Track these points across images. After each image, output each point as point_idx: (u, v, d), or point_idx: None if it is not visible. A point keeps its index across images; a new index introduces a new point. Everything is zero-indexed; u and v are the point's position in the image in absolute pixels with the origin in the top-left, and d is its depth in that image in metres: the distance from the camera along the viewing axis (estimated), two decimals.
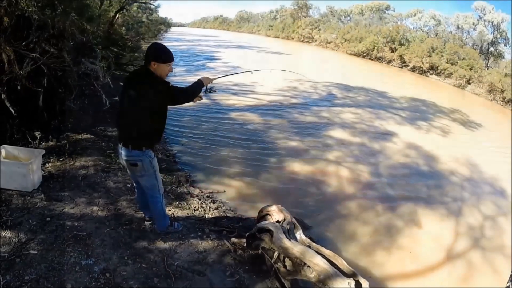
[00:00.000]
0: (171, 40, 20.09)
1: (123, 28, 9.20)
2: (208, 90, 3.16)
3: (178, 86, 2.92)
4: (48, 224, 3.19)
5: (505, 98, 18.11)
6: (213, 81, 3.19)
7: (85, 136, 5.34)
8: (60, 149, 4.78)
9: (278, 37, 46.80)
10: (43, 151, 3.97)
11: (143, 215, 3.51)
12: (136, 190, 3.38)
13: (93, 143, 5.20)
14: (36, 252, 2.81)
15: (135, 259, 2.97)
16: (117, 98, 7.28)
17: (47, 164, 4.32)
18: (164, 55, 2.74)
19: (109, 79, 5.61)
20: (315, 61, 21.65)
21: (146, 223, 3.48)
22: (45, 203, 3.51)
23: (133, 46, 9.28)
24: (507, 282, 1.16)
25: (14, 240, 2.92)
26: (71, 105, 5.83)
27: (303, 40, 43.06)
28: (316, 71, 17.93)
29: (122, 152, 2.86)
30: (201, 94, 3.10)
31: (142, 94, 2.67)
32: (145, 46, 12.06)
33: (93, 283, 2.62)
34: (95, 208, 3.60)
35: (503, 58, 25.43)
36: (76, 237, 3.09)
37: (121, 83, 8.00)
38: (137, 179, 3.13)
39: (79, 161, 4.56)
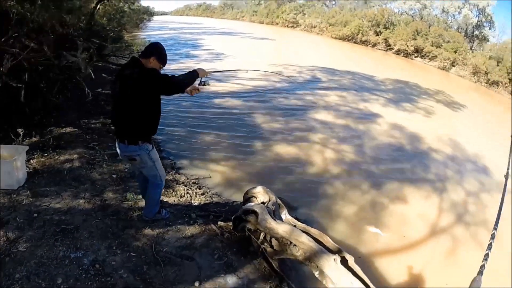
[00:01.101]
0: (154, 29, 19.81)
1: (105, 19, 9.03)
2: (202, 83, 3.15)
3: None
4: (35, 220, 3.18)
5: (489, 80, 18.40)
6: (208, 75, 3.16)
7: (68, 129, 5.28)
8: (44, 144, 4.74)
9: (263, 23, 46.43)
10: (27, 148, 3.93)
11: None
12: (137, 177, 3.44)
13: (77, 136, 5.15)
14: (25, 249, 2.80)
15: (124, 248, 2.99)
16: (99, 89, 7.26)
17: (31, 160, 4.28)
18: (165, 56, 2.82)
19: (90, 70, 5.53)
20: (300, 45, 21.57)
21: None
22: (31, 199, 3.49)
23: (115, 37, 9.14)
24: (489, 240, 1.21)
25: (2, 239, 2.91)
26: (53, 99, 5.76)
27: (287, 25, 42.81)
28: (300, 56, 17.89)
29: (119, 147, 2.88)
30: (197, 86, 3.10)
31: (133, 85, 2.65)
32: (127, 37, 11.91)
33: (83, 275, 2.64)
34: (81, 201, 3.60)
35: (488, 41, 25.70)
36: (64, 231, 3.09)
37: (103, 75, 7.98)
38: (139, 170, 3.20)
39: (64, 155, 4.53)
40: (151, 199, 3.33)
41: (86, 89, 5.50)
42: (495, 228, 1.34)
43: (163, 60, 2.79)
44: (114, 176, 4.23)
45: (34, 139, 4.83)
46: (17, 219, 3.16)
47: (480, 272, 1.04)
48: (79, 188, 3.85)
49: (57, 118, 5.50)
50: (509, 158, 2.19)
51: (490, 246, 1.20)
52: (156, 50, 2.76)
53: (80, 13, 6.61)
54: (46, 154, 4.49)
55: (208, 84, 3.19)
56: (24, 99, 4.71)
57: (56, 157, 4.47)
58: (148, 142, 2.90)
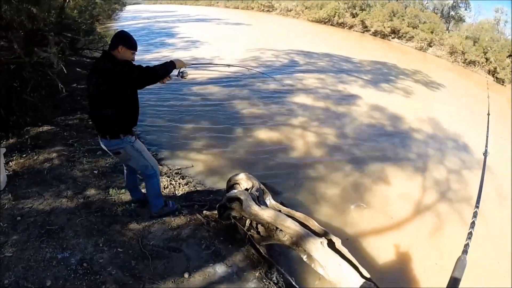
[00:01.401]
0: (127, 19, 19.25)
1: (76, 11, 8.73)
2: (181, 74, 3.10)
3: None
4: (19, 223, 3.12)
5: (466, 59, 18.75)
6: (187, 66, 3.12)
7: (46, 128, 5.15)
8: (22, 145, 4.60)
9: (238, 8, 45.72)
10: (4, 150, 3.83)
11: (130, 196, 3.58)
12: (125, 170, 3.37)
13: (55, 134, 5.03)
14: (11, 254, 2.76)
15: (110, 244, 2.98)
16: (75, 84, 7.07)
17: (10, 163, 4.16)
18: (131, 41, 2.74)
19: (62, 65, 5.35)
20: (276, 29, 21.39)
21: (132, 205, 3.52)
22: (13, 202, 3.41)
23: (87, 29, 8.85)
24: (472, 218, 1.24)
25: None
26: (28, 98, 5.59)
27: (263, 10, 42.26)
28: (277, 40, 17.77)
29: (102, 143, 2.86)
30: (172, 75, 3.03)
31: (107, 80, 2.60)
32: (100, 28, 11.56)
33: (72, 275, 2.63)
34: (64, 200, 3.54)
35: (464, 21, 26.05)
36: (49, 232, 3.05)
37: (78, 69, 7.78)
38: (126, 162, 3.18)
39: (43, 155, 4.43)
40: (150, 193, 3.32)
41: (60, 85, 5.34)
42: (476, 206, 1.37)
43: (130, 45, 2.72)
44: (96, 172, 4.17)
45: (11, 140, 4.69)
46: (1, 224, 3.09)
47: (465, 251, 1.06)
48: (61, 187, 3.78)
49: (33, 117, 5.34)
50: (487, 136, 2.25)
51: (473, 224, 1.22)
52: (121, 38, 2.69)
53: (49, 6, 6.37)
54: (25, 155, 4.37)
55: (186, 76, 3.14)
56: None
57: (35, 157, 4.36)
58: (130, 134, 2.88)
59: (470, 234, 1.15)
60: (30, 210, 3.33)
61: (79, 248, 2.90)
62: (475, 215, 1.30)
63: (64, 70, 5.44)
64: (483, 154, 2.01)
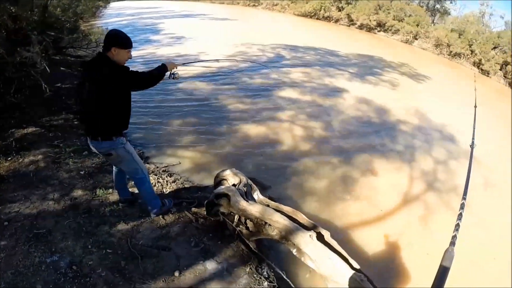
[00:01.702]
0: (112, 16, 18.90)
1: (59, 9, 8.55)
2: (172, 76, 3.12)
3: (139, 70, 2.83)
4: (6, 228, 3.07)
5: (451, 52, 18.96)
6: (177, 67, 3.13)
7: (31, 129, 5.06)
8: (7, 148, 4.51)
9: (223, 3, 45.40)
10: None
11: (118, 196, 3.56)
12: (113, 171, 3.36)
13: (39, 135, 4.94)
14: (0, 260, 2.72)
15: (99, 246, 2.97)
16: (59, 84, 6.95)
17: None
18: (124, 40, 2.68)
19: (45, 64, 5.26)
20: (262, 24, 21.29)
21: (120, 205, 3.50)
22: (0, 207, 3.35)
23: (71, 28, 8.69)
24: (459, 210, 1.25)
25: None
26: (12, 100, 5.50)
27: (249, 4, 42.00)
28: (263, 34, 17.69)
29: (92, 145, 2.82)
30: (165, 77, 3.05)
31: (102, 82, 2.57)
32: (84, 26, 11.36)
33: (62, 279, 2.61)
34: (51, 202, 3.50)
35: (449, 14, 26.26)
36: (37, 235, 3.01)
37: (62, 68, 7.65)
38: (116, 165, 3.15)
39: (28, 157, 4.36)
40: (146, 197, 3.31)
41: (44, 84, 5.25)
42: (464, 198, 1.38)
43: (124, 44, 2.67)
44: (82, 172, 4.12)
45: None
46: None
47: (452, 243, 1.06)
48: (48, 189, 3.73)
49: (18, 118, 5.25)
50: (474, 128, 2.28)
51: (460, 216, 1.23)
52: (113, 39, 2.64)
53: (32, 5, 6.25)
54: (10, 158, 4.29)
55: (178, 77, 3.16)
56: None
57: (21, 160, 4.29)
58: (122, 136, 2.86)
59: (457, 225, 1.16)
60: (17, 214, 3.28)
61: (68, 251, 2.87)
62: (462, 206, 1.31)
63: (48, 69, 5.35)
64: (470, 146, 2.03)
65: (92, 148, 2.88)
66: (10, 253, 2.79)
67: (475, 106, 3.15)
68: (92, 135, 2.77)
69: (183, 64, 3.36)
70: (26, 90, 5.83)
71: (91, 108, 2.68)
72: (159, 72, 2.90)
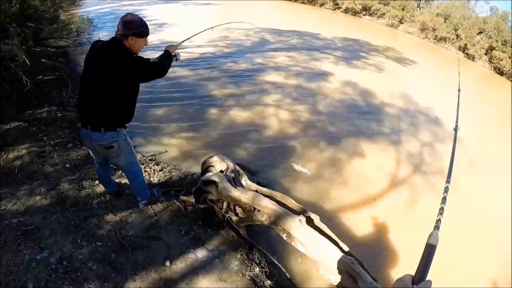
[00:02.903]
0: (92, 4, 18.36)
1: (37, 0, 8.29)
2: (175, 58, 2.96)
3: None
4: None
5: (437, 36, 19.03)
6: (178, 48, 3.00)
7: (13, 124, 4.92)
8: None
9: None
10: None
11: (105, 190, 3.50)
12: (96, 165, 3.23)
13: (22, 130, 4.82)
14: None
15: (89, 239, 2.93)
16: (40, 76, 6.78)
17: None
18: (144, 28, 2.51)
19: (25, 57, 5.11)
20: (246, 8, 21.00)
21: (107, 196, 3.46)
22: None
23: (51, 18, 8.44)
24: (443, 194, 1.25)
25: None
26: None
27: None
28: (247, 18, 17.46)
29: (92, 137, 2.64)
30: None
31: (114, 71, 2.43)
32: (64, 16, 11.02)
33: (53, 275, 2.57)
34: (37, 198, 3.44)
35: None
36: (25, 233, 2.95)
37: (43, 60, 7.45)
38: (108, 159, 3.07)
39: (12, 153, 4.25)
40: (137, 189, 3.24)
41: (24, 77, 5.11)
42: (448, 182, 1.38)
43: (144, 33, 2.52)
44: (68, 165, 4.05)
45: None
46: None
47: (437, 227, 1.06)
48: (33, 184, 3.65)
49: None
50: (457, 112, 2.29)
51: (444, 199, 1.23)
52: (132, 27, 2.45)
53: None
54: None
55: (179, 58, 3.02)
56: None
57: (4, 156, 4.18)
58: (124, 128, 2.77)
59: (441, 209, 1.16)
60: (4, 212, 3.21)
61: (57, 247, 2.83)
62: (446, 190, 1.31)
63: (27, 62, 5.20)
64: (454, 129, 2.03)
65: (88, 141, 2.72)
66: None
67: (459, 90, 3.17)
68: (92, 125, 2.61)
69: (181, 43, 3.22)
70: (7, 84, 5.67)
71: (97, 96, 2.52)
72: (168, 61, 2.77)
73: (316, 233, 2.53)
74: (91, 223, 3.11)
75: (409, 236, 3.89)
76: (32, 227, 3.02)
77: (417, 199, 4.73)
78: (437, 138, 6.57)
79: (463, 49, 17.53)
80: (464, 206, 4.64)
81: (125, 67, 2.46)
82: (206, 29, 3.78)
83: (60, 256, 2.74)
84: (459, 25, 18.48)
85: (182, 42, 3.28)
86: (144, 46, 2.61)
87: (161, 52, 2.87)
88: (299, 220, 2.60)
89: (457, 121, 2.14)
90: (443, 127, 7.16)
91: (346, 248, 2.44)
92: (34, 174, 3.85)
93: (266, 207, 2.77)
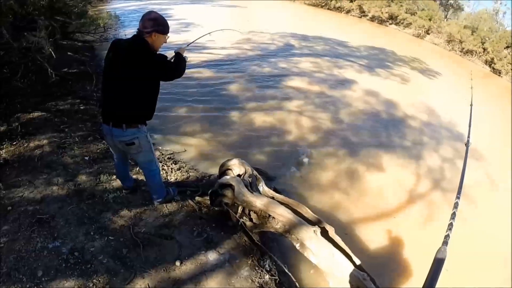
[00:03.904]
0: (120, 1, 18.72)
1: None
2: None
3: None
4: (10, 213, 3.07)
5: (463, 48, 18.59)
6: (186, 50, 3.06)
7: (36, 114, 5.04)
8: (12, 132, 4.50)
9: None
10: None
11: (122, 185, 3.53)
12: (115, 161, 3.29)
13: (45, 120, 4.93)
14: (2, 245, 2.71)
15: (102, 232, 2.95)
16: (66, 69, 6.93)
17: (0, 151, 4.08)
18: (166, 25, 2.63)
19: (51, 49, 5.22)
20: (272, 12, 21.01)
21: (124, 192, 3.49)
22: (4, 192, 3.34)
23: (79, 12, 8.64)
24: (452, 209, 1.21)
25: None
26: (18, 84, 5.48)
27: None
28: (272, 22, 17.46)
29: (114, 133, 2.69)
30: None
31: (139, 68, 2.51)
32: (92, 11, 11.27)
33: (63, 265, 2.59)
34: (55, 187, 3.48)
35: (463, 10, 25.75)
36: (39, 221, 3.00)
37: (69, 53, 7.62)
38: (128, 155, 3.11)
39: (33, 142, 4.34)
40: (153, 187, 3.26)
41: (50, 70, 5.22)
42: (457, 197, 1.34)
43: (166, 29, 2.62)
44: (87, 158, 4.10)
45: (1, 128, 4.59)
46: None
47: (445, 242, 1.03)
48: (52, 174, 3.71)
49: (23, 103, 5.23)
50: (469, 126, 2.23)
51: (453, 215, 1.20)
52: (156, 23, 2.54)
53: None
54: (15, 143, 4.28)
55: (187, 61, 3.08)
56: None
57: (26, 145, 4.28)
58: (144, 125, 2.80)
59: (450, 225, 1.13)
60: (21, 199, 3.27)
61: (70, 237, 2.86)
62: (456, 206, 1.27)
63: (54, 54, 5.32)
64: (465, 144, 1.98)
65: (109, 137, 2.77)
66: (12, 238, 2.78)
67: (471, 105, 3.10)
68: (114, 121, 2.66)
69: (188, 46, 3.28)
70: (32, 75, 5.82)
71: (120, 93, 2.59)
72: (184, 61, 2.85)
73: (330, 245, 2.49)
74: (105, 217, 3.13)
75: (424, 253, 3.78)
76: (47, 216, 3.07)
77: (435, 215, 4.58)
78: (459, 154, 6.37)
79: (490, 63, 17.03)
80: (484, 224, 4.50)
81: (149, 65, 2.53)
82: (204, 35, 3.84)
83: (72, 247, 2.76)
84: (487, 38, 17.96)
85: (188, 46, 3.33)
86: (164, 43, 2.68)
87: (173, 54, 2.94)
88: (314, 230, 2.56)
89: (468, 136, 2.10)
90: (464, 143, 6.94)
91: (358, 262, 2.39)
92: (53, 164, 3.92)
93: (282, 215, 2.73)
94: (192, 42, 3.68)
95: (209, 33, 3.88)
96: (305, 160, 5.10)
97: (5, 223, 2.94)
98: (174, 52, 2.92)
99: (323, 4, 29.62)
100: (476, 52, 17.91)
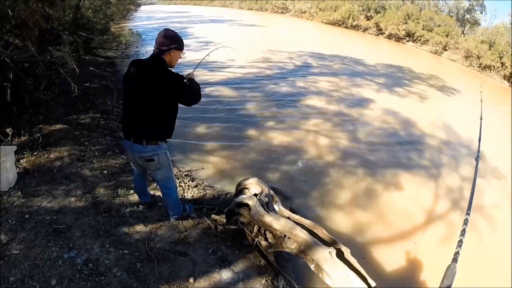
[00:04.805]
0: (142, 19, 19.23)
1: (90, 11, 8.84)
2: None
3: None
4: (27, 221, 3.12)
5: (481, 64, 18.38)
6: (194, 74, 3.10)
7: (58, 126, 5.19)
8: (34, 143, 4.63)
9: (252, 9, 45.72)
10: (15, 148, 3.84)
11: (139, 199, 3.56)
12: (134, 175, 3.34)
13: (66, 132, 5.06)
14: (18, 252, 2.75)
15: (117, 246, 2.96)
16: (88, 84, 7.12)
17: (21, 160, 4.19)
18: (182, 42, 2.75)
19: (75, 64, 5.40)
20: (290, 31, 21.28)
21: (140, 207, 3.52)
22: (22, 200, 3.41)
23: (102, 29, 8.96)
24: (462, 226, 1.18)
25: None
26: (41, 96, 5.66)
27: (277, 11, 42.23)
28: (290, 41, 17.65)
29: (134, 149, 2.76)
30: None
31: (160, 87, 2.59)
32: (114, 28, 11.63)
33: (77, 276, 2.60)
34: (72, 199, 3.54)
35: (479, 25, 25.61)
36: (56, 230, 3.04)
37: (91, 68, 7.85)
38: (148, 171, 3.15)
39: (54, 153, 4.45)
40: (171, 204, 3.29)
41: (72, 84, 5.39)
42: (467, 214, 1.31)
43: (182, 46, 2.74)
44: (105, 172, 4.17)
45: (23, 138, 4.72)
46: (9, 221, 3.09)
47: (455, 260, 1.01)
48: (70, 186, 3.78)
49: (46, 115, 5.39)
50: (479, 141, 2.18)
51: (463, 232, 1.17)
52: (174, 40, 2.66)
53: (64, 6, 6.46)
54: (36, 153, 4.40)
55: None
56: (10, 97, 4.60)
57: (46, 156, 4.39)
58: (165, 142, 2.86)
59: (460, 242, 1.10)
60: (39, 208, 3.33)
61: (86, 248, 2.88)
62: (465, 222, 1.24)
63: (77, 69, 5.48)
64: (475, 159, 1.94)
65: (130, 152, 2.83)
66: (29, 246, 2.82)
67: (481, 118, 3.02)
68: (135, 138, 2.72)
69: (195, 69, 3.30)
70: (55, 88, 6.00)
71: (140, 110, 2.67)
72: (199, 86, 2.88)
73: (345, 267, 2.42)
74: (121, 231, 3.15)
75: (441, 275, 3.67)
76: (63, 226, 3.11)
77: (454, 236, 4.44)
78: (478, 173, 6.20)
79: (509, 78, 16.73)
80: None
81: (167, 81, 2.60)
82: (204, 57, 3.87)
83: (86, 258, 2.78)
84: (504, 53, 17.69)
85: (195, 68, 3.35)
86: (179, 59, 2.79)
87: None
88: (329, 252, 2.50)
89: (478, 151, 2.04)
90: (485, 161, 6.77)
91: (374, 284, 2.32)
92: (72, 176, 4.00)
93: (297, 235, 2.69)
94: (198, 65, 3.72)
95: (207, 54, 3.93)
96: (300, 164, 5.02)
97: (22, 230, 2.99)
98: (185, 78, 2.92)
99: (340, 23, 29.87)
100: (494, 67, 17.67)
